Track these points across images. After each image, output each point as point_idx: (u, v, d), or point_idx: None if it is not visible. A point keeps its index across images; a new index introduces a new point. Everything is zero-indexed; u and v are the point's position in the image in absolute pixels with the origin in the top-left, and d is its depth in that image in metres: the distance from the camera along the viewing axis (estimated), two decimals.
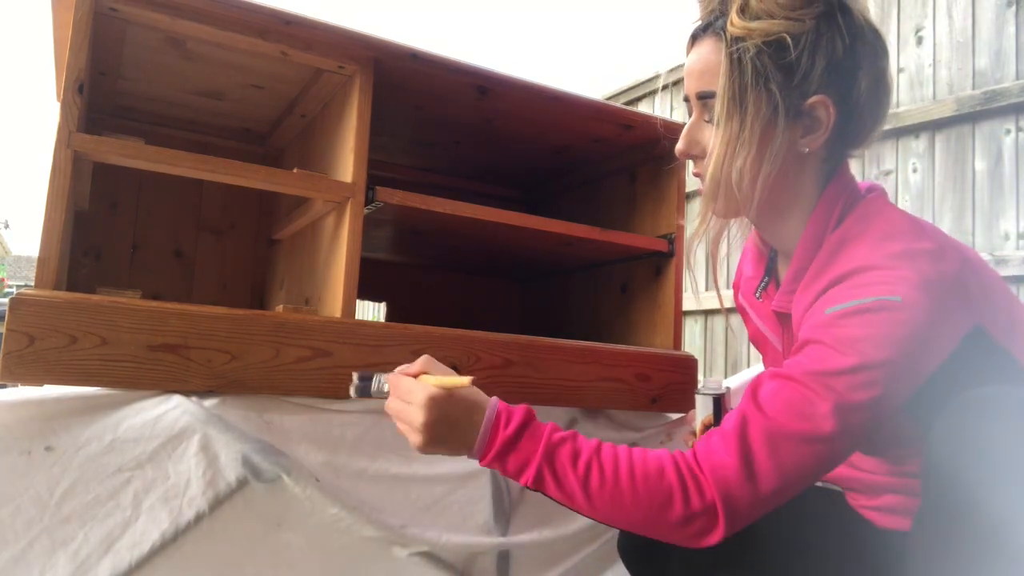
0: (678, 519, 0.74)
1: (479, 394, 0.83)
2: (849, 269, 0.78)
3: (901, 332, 0.73)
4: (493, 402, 0.82)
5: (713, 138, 0.84)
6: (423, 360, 0.85)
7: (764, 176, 0.83)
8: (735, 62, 0.82)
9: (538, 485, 0.79)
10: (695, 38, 0.88)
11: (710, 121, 0.86)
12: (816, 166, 0.88)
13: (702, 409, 1.04)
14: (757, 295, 1.00)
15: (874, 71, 0.85)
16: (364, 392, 0.90)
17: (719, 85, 0.83)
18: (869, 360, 0.72)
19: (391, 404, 0.84)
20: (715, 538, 0.74)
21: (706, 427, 1.03)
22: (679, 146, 0.90)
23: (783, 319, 0.93)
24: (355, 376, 0.93)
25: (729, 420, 0.78)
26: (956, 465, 0.69)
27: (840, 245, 0.82)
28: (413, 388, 0.81)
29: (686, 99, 0.90)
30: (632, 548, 1.04)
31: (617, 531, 1.08)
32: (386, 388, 0.86)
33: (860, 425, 0.73)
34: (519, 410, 0.81)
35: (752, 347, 3.00)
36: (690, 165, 0.95)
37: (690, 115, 0.90)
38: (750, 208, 0.86)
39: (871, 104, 0.85)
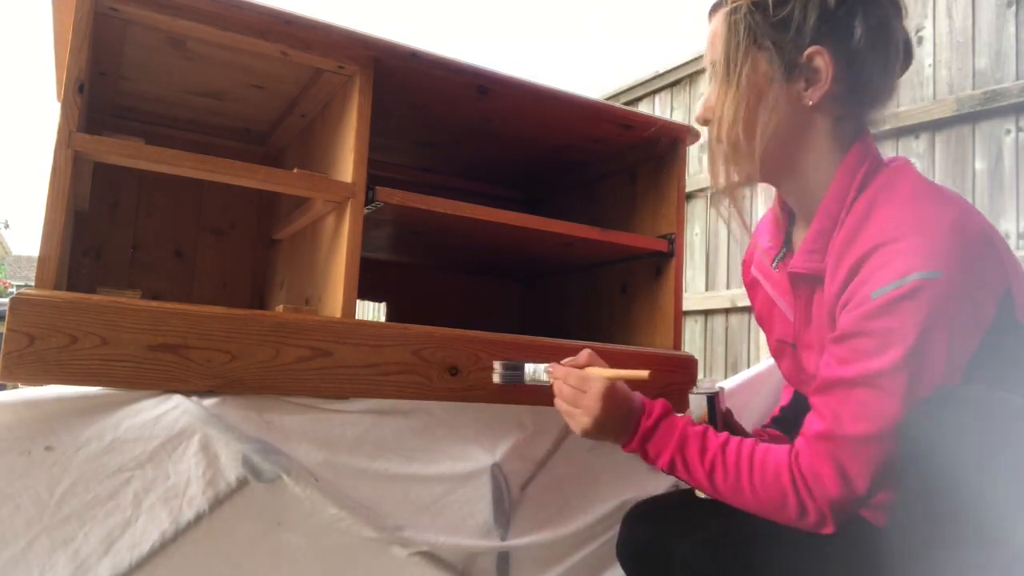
0: (794, 517, 0.83)
1: (628, 389, 0.96)
2: (883, 239, 0.79)
3: (946, 308, 0.74)
4: (637, 397, 0.96)
5: (715, 100, 0.91)
6: (587, 354, 1.01)
7: (763, 128, 0.88)
8: (732, 26, 0.88)
9: (671, 471, 0.91)
10: (711, 14, 0.94)
11: None
12: (829, 123, 0.89)
13: (696, 408, 1.05)
14: (774, 265, 1.02)
15: (873, 20, 0.86)
16: (516, 380, 1.05)
17: (718, 50, 0.89)
18: (919, 346, 0.75)
19: (563, 390, 0.97)
20: (829, 530, 0.83)
21: (702, 421, 1.04)
22: (698, 113, 0.96)
23: (798, 283, 0.94)
24: (498, 365, 1.07)
25: (812, 425, 0.83)
26: (927, 463, 0.71)
27: (870, 209, 0.84)
28: (589, 379, 0.94)
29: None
30: (631, 555, 1.04)
31: (617, 532, 1.08)
32: (543, 377, 1.02)
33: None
34: (658, 404, 0.95)
35: (752, 347, 3.00)
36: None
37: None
38: (753, 163, 0.90)
39: (874, 54, 0.87)
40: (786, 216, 1.02)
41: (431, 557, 1.10)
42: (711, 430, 0.91)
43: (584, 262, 1.74)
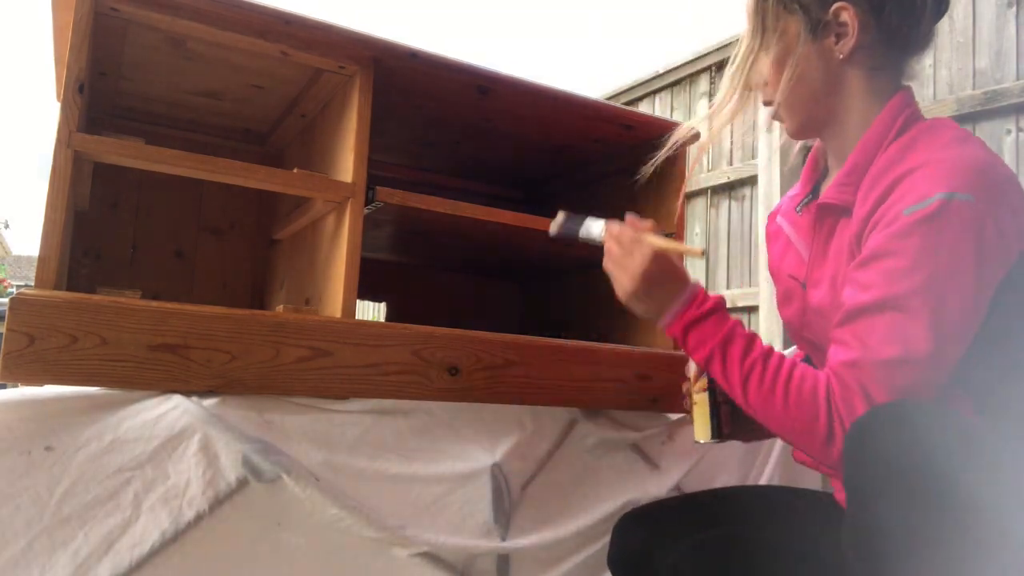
0: (821, 439, 0.81)
1: (685, 271, 0.94)
2: (918, 164, 0.81)
3: (977, 232, 0.75)
4: (695, 282, 0.94)
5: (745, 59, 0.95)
6: (651, 223, 0.97)
7: (800, 85, 0.92)
8: None
9: (708, 365, 0.90)
10: None
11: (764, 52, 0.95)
12: (865, 74, 0.92)
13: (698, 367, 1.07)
14: (798, 209, 1.04)
15: None
16: (570, 232, 1.02)
17: (751, 20, 0.94)
18: (948, 268, 0.76)
19: (612, 249, 0.95)
20: None
21: (701, 371, 1.06)
22: (748, 81, 0.99)
23: (824, 215, 0.95)
24: (561, 214, 1.05)
25: (839, 354, 0.82)
26: (866, 475, 0.70)
27: (907, 149, 0.85)
28: (641, 240, 0.93)
29: None
30: (622, 562, 1.05)
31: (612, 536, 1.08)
32: (596, 236, 0.99)
33: (955, 332, 0.77)
34: (715, 297, 0.92)
35: None
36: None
37: None
38: (795, 120, 0.95)
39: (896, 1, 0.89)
40: (819, 171, 1.05)
41: (431, 557, 1.10)
42: (759, 337, 0.90)
43: (584, 262, 1.74)
